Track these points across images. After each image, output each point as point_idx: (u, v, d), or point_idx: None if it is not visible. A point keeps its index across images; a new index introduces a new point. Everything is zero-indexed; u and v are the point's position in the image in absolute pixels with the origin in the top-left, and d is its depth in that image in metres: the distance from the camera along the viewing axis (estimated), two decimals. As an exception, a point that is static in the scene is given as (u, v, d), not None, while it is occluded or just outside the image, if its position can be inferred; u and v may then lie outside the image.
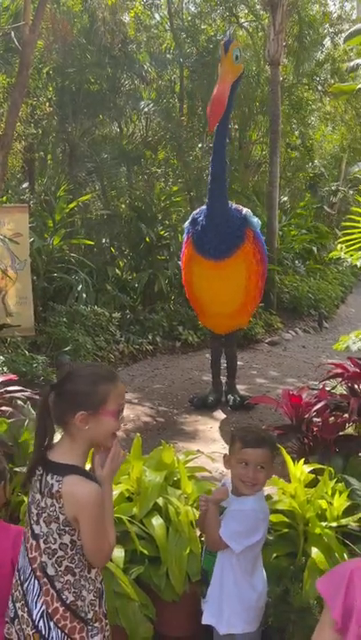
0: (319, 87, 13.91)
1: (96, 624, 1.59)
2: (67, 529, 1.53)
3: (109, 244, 9.77)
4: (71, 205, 8.29)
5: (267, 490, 2.79)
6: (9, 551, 1.84)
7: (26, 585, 1.56)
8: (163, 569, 2.33)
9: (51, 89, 9.58)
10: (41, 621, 1.52)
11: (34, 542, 1.56)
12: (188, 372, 7.06)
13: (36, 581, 1.55)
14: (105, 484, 1.60)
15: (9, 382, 3.78)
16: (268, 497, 2.66)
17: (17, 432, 2.99)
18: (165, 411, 5.65)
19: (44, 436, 1.60)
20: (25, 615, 1.54)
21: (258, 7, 12.40)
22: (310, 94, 13.70)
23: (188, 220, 5.19)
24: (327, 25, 13.34)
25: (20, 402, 3.58)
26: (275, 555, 2.40)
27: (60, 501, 1.52)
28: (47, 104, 9.50)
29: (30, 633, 1.53)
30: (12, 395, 3.58)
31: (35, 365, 5.74)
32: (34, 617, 1.53)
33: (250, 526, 2.01)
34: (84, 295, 7.62)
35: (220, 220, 4.72)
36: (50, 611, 1.52)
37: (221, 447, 4.49)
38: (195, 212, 5.17)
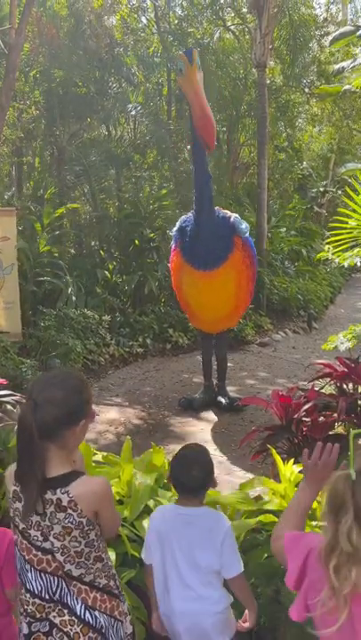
0: (306, 89, 13.99)
1: (123, 594, 1.73)
2: (90, 527, 1.58)
3: (99, 246, 9.76)
4: (59, 211, 8.27)
5: (257, 490, 2.80)
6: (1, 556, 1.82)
7: (58, 593, 1.59)
8: (154, 571, 2.32)
9: (38, 92, 9.55)
10: (87, 613, 1.59)
11: (47, 557, 1.58)
12: (179, 374, 7.07)
13: (67, 586, 1.59)
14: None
15: (-2, 387, 3.77)
16: (259, 497, 2.68)
17: (6, 436, 2.98)
18: (156, 413, 5.66)
19: (39, 460, 1.55)
20: (66, 618, 1.58)
21: (244, 10, 12.46)
22: (297, 96, 13.78)
23: (176, 228, 5.21)
24: (313, 27, 13.41)
25: (9, 406, 3.58)
26: (265, 555, 2.41)
27: (78, 507, 1.54)
28: (34, 107, 9.47)
29: (78, 630, 1.58)
30: (1, 399, 3.57)
31: (24, 370, 5.72)
32: (78, 612, 1.58)
33: None
34: (74, 298, 7.60)
35: (207, 233, 4.77)
36: (90, 603, 1.60)
37: (213, 449, 4.50)
38: (182, 220, 5.18)
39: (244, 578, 1.99)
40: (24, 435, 1.55)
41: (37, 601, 1.59)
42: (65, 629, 1.57)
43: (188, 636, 1.92)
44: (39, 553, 1.58)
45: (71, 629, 1.57)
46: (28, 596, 1.60)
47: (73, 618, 1.58)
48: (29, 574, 1.59)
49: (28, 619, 1.61)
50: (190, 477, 1.97)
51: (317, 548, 1.35)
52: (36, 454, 1.54)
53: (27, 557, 1.59)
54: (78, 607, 1.58)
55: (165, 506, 2.11)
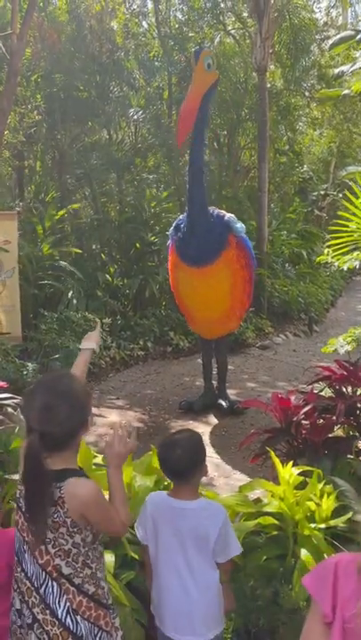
0: (306, 93, 14.03)
1: (114, 606, 1.72)
2: (75, 529, 1.58)
3: (100, 249, 9.79)
4: (61, 213, 8.30)
5: (257, 492, 2.82)
6: (4, 556, 1.84)
7: (43, 589, 1.59)
8: (153, 573, 2.33)
9: (39, 97, 9.60)
10: (67, 618, 1.58)
11: (42, 547, 1.59)
12: (180, 377, 7.08)
13: (54, 583, 1.59)
14: (111, 467, 1.72)
15: (-1, 390, 3.78)
16: (258, 500, 2.69)
17: (7, 439, 3.00)
18: (157, 416, 5.67)
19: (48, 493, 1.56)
20: (48, 617, 1.58)
21: (245, 15, 12.49)
22: (298, 100, 13.82)
23: (172, 227, 5.23)
24: (313, 31, 13.45)
25: (10, 409, 3.59)
26: (264, 557, 2.42)
27: (65, 506, 1.55)
28: (36, 112, 9.52)
29: (58, 632, 1.57)
30: (2, 402, 3.59)
31: (25, 373, 5.74)
32: (59, 616, 1.58)
33: None
34: (75, 301, 7.62)
35: (200, 228, 4.75)
36: (74, 606, 1.59)
37: (213, 451, 4.51)
38: (178, 219, 5.21)
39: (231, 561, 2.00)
40: (32, 462, 1.56)
41: (28, 583, 1.61)
42: (46, 628, 1.59)
43: (174, 623, 1.93)
44: (34, 538, 1.60)
45: (51, 629, 1.58)
46: (22, 575, 1.63)
47: (54, 620, 1.58)
48: (26, 555, 1.62)
49: (20, 596, 1.64)
50: (175, 457, 1.93)
51: (345, 560, 1.34)
52: (45, 487, 1.54)
53: (26, 538, 1.62)
54: (60, 611, 1.58)
55: (158, 494, 2.08)
